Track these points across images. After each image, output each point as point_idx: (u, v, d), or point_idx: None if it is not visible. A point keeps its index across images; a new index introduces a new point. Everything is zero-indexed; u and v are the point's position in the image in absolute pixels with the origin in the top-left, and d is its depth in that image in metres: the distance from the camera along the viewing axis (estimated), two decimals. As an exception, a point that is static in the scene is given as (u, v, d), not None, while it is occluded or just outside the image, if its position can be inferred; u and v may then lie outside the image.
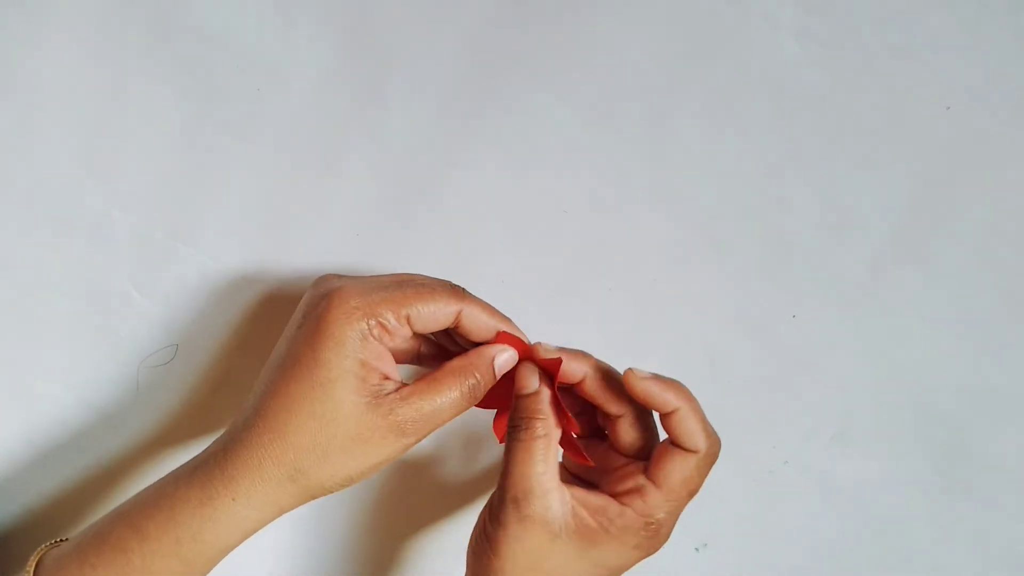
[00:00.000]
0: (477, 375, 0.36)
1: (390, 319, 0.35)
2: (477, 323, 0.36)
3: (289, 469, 0.35)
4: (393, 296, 0.35)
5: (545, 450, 0.36)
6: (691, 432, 0.35)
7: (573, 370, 0.37)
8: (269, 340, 0.39)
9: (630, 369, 0.36)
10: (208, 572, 0.37)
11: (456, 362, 0.36)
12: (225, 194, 0.41)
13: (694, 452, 0.35)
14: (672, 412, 0.35)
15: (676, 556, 0.46)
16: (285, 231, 0.42)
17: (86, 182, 0.41)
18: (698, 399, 0.36)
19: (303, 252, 0.42)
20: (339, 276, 0.38)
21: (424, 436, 0.36)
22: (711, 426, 0.36)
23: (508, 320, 0.37)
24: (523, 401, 0.37)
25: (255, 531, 0.37)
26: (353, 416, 0.35)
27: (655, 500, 0.35)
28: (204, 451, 0.37)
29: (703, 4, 0.37)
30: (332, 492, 0.37)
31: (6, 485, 0.47)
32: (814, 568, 0.45)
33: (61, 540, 0.38)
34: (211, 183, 0.41)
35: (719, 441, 0.36)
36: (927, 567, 0.44)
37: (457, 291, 0.36)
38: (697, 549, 0.46)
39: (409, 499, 0.47)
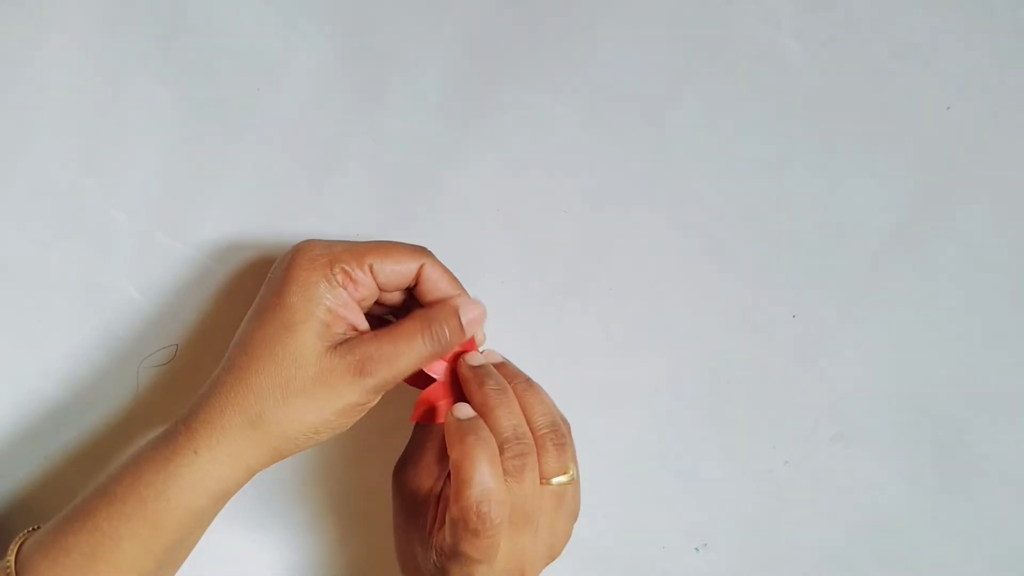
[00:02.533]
0: (442, 324, 0.36)
1: (354, 267, 0.36)
2: (436, 285, 0.37)
3: (250, 415, 0.35)
4: (356, 247, 0.36)
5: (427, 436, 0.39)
6: None
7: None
8: (269, 340, 0.39)
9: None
10: (180, 539, 0.36)
11: (422, 310, 0.37)
12: (225, 194, 0.41)
13: None
14: None
15: (676, 556, 0.46)
16: (286, 231, 0.42)
17: (86, 182, 0.41)
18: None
19: (303, 252, 0.42)
20: None
21: (385, 382, 0.36)
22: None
23: (462, 290, 0.38)
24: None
25: (224, 493, 0.36)
26: (314, 358, 0.35)
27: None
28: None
29: (703, 4, 0.37)
30: (298, 445, 0.36)
31: (5, 485, 0.47)
32: (814, 568, 0.45)
33: (39, 526, 0.38)
34: (211, 183, 0.41)
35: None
36: (927, 567, 0.44)
37: (421, 250, 0.38)
38: (697, 549, 0.46)
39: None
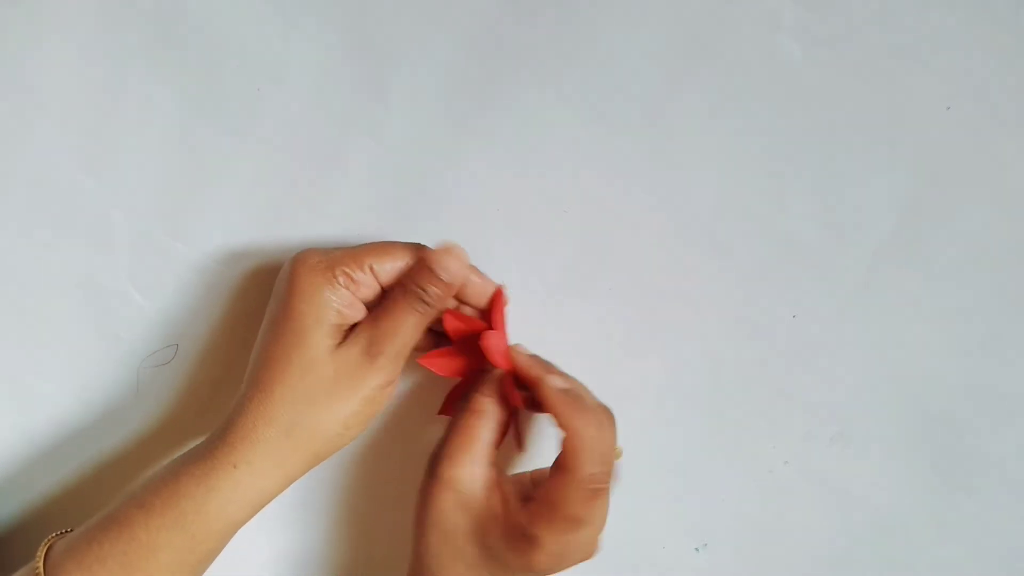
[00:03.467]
0: (422, 283, 0.36)
1: (354, 269, 0.36)
2: None
3: (283, 425, 0.36)
4: (353, 251, 0.37)
5: (476, 425, 0.37)
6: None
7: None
8: (269, 340, 0.39)
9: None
10: (214, 548, 0.37)
11: (401, 277, 0.37)
12: (225, 194, 0.41)
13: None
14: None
15: (676, 556, 0.46)
16: (286, 231, 0.42)
17: (86, 182, 0.41)
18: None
19: (303, 252, 0.42)
20: None
21: (397, 355, 0.37)
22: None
23: (473, 268, 0.38)
24: (479, 379, 0.39)
25: (260, 503, 0.37)
26: (329, 359, 0.36)
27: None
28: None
29: (703, 4, 0.37)
30: (335, 444, 0.37)
31: (6, 485, 0.47)
32: (814, 568, 0.45)
33: (69, 530, 0.39)
34: (211, 183, 0.41)
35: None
36: (927, 567, 0.44)
37: (418, 246, 0.38)
38: (697, 549, 0.46)
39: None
